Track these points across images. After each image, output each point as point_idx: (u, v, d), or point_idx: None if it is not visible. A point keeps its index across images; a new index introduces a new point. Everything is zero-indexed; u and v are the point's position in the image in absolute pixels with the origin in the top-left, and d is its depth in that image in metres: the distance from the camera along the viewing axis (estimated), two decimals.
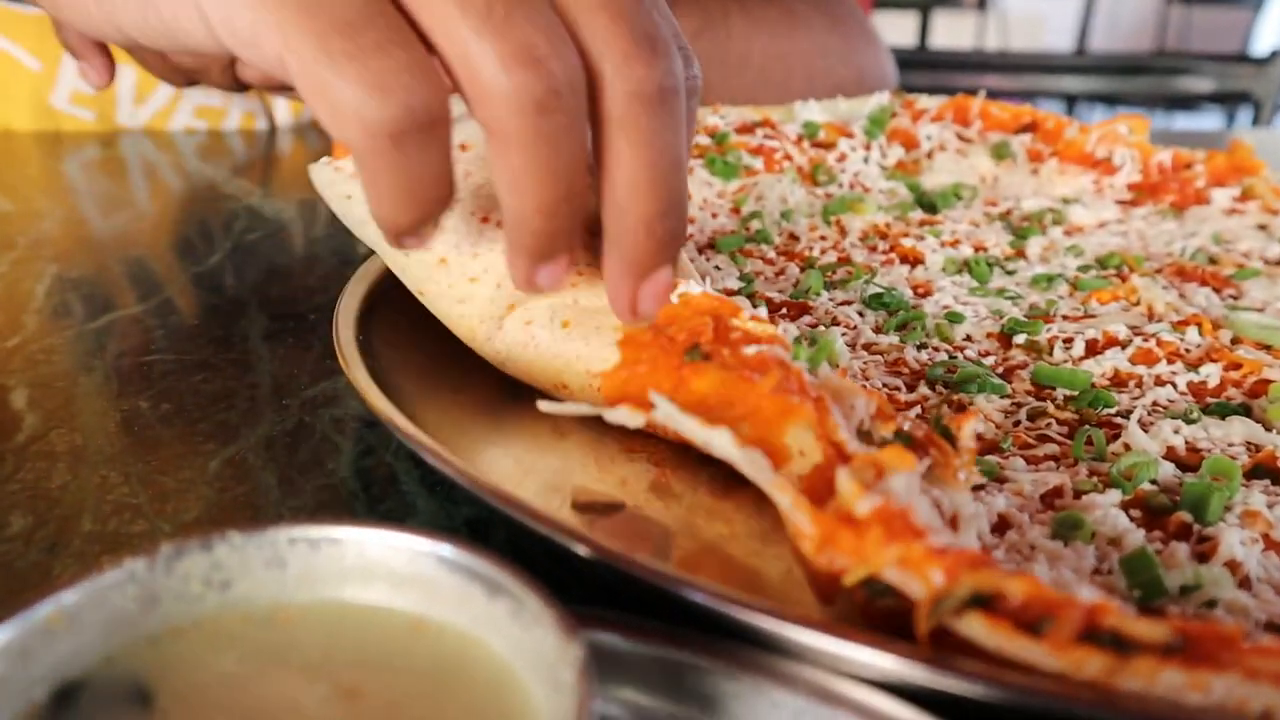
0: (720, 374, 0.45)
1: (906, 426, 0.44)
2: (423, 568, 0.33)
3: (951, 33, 6.64)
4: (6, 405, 0.59)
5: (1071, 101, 1.65)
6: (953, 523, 0.41)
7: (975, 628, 0.34)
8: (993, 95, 1.89)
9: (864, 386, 0.53)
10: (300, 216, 0.93)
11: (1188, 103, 1.65)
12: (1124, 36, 7.30)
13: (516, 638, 0.31)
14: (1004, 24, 6.13)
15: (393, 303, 0.62)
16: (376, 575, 0.34)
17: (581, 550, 0.38)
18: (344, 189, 0.60)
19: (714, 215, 0.86)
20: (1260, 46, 6.33)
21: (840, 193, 0.90)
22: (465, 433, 0.52)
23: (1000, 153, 0.96)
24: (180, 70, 0.85)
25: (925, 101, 0.99)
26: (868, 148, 0.95)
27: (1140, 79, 1.69)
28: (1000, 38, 6.11)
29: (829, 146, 0.95)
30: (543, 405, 0.45)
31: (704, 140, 0.92)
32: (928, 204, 0.90)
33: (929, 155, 0.96)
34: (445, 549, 0.32)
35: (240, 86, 0.87)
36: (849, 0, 1.26)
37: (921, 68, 1.73)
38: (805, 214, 0.86)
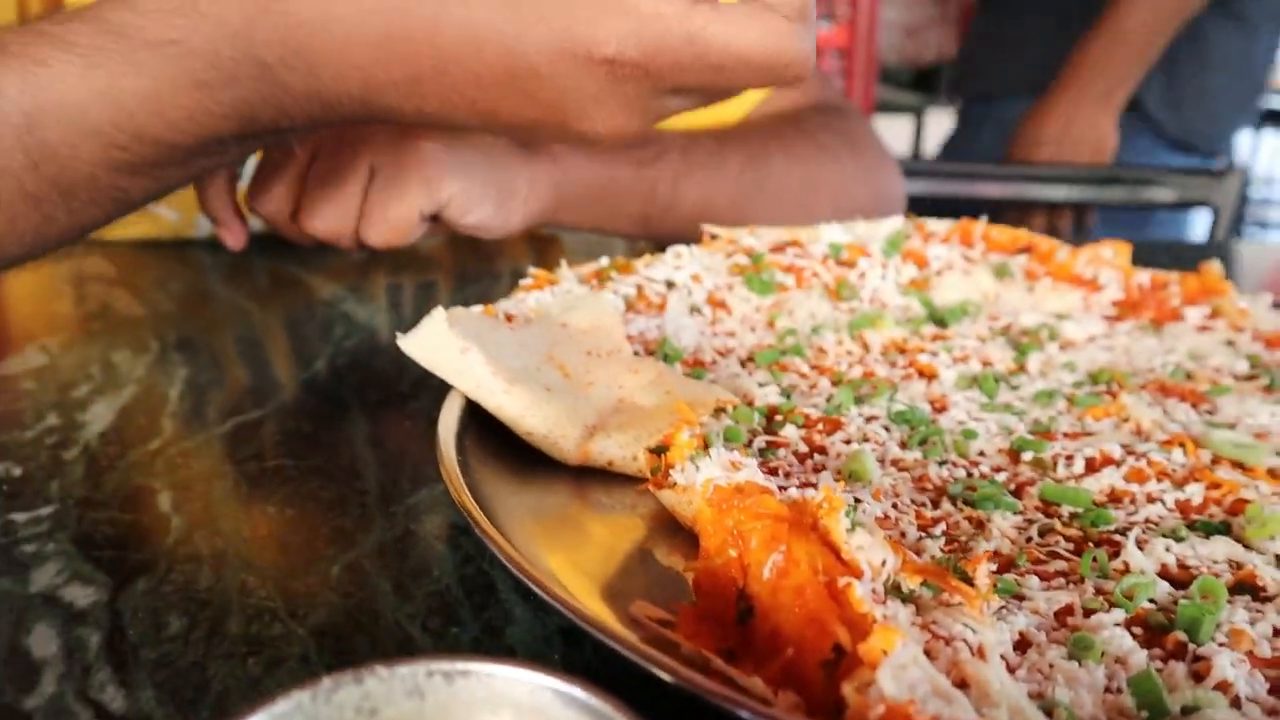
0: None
1: (922, 579, 0.45)
2: (544, 702, 0.35)
3: (944, 128, 6.73)
4: (155, 507, 0.61)
5: (1054, 208, 1.68)
6: (979, 653, 0.42)
7: None
8: (986, 203, 1.92)
9: (890, 537, 0.55)
10: (387, 322, 0.96)
11: (1153, 208, 1.68)
12: None
13: None
14: None
15: (481, 418, 0.64)
16: (503, 704, 0.35)
17: (667, 677, 0.39)
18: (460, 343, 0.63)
19: (752, 329, 0.88)
20: None
21: (862, 308, 0.92)
22: (554, 545, 0.54)
23: (1001, 272, 0.98)
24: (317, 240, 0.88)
25: (934, 225, 1.02)
26: (884, 266, 0.97)
27: (1114, 189, 1.72)
28: None
29: (851, 265, 0.97)
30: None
31: (743, 260, 0.94)
32: (939, 319, 0.92)
33: (938, 273, 0.98)
34: (573, 691, 0.34)
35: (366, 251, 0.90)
36: (866, 129, 1.29)
37: (920, 176, 1.76)
38: (832, 329, 0.88)
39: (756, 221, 1.11)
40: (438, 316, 0.65)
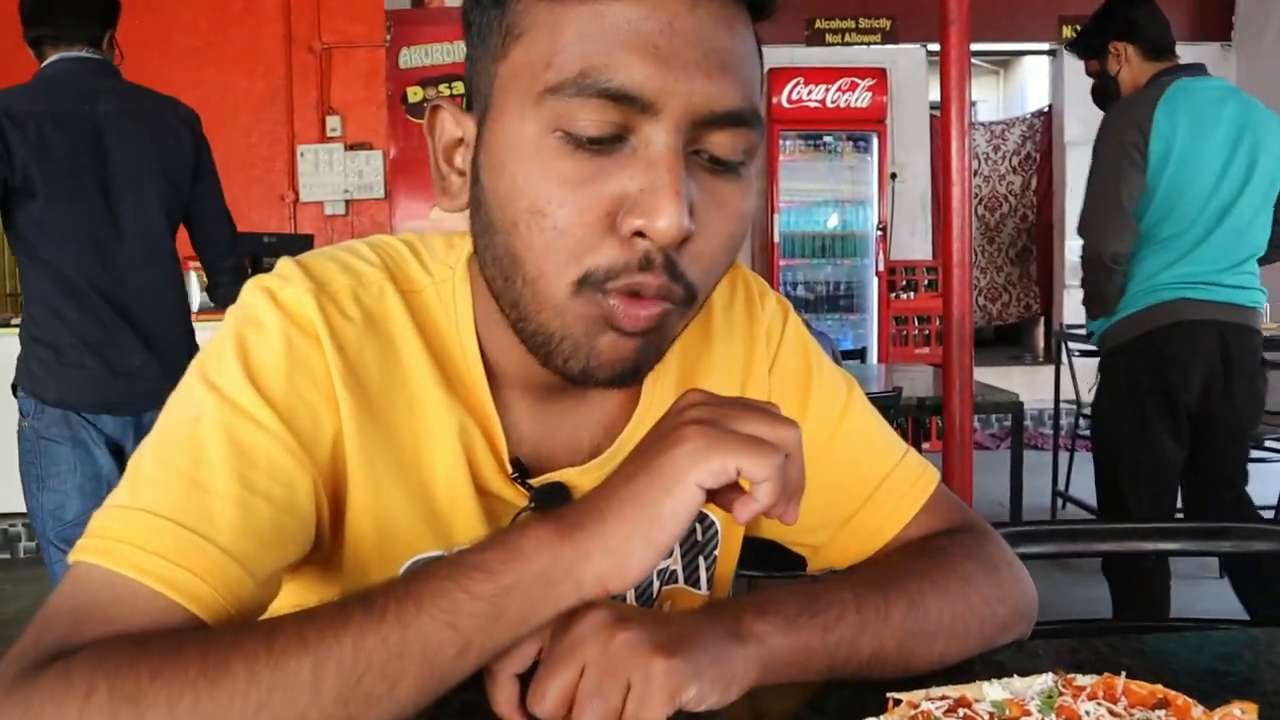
0: None
1: None
2: None
3: (1031, 386, 7.06)
4: None
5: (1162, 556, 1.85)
6: None
7: None
8: (1102, 554, 2.06)
9: None
10: None
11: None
12: None
13: None
14: (1076, 375, 6.36)
15: None
16: None
17: None
18: None
19: None
20: None
21: None
22: None
23: None
24: None
25: (1081, 680, 1.20)
26: None
27: (1223, 541, 1.89)
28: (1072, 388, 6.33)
29: None
30: None
31: None
32: None
33: None
34: None
35: None
36: (999, 549, 1.48)
37: (1039, 540, 1.94)
38: None
39: (918, 656, 1.30)
40: None
